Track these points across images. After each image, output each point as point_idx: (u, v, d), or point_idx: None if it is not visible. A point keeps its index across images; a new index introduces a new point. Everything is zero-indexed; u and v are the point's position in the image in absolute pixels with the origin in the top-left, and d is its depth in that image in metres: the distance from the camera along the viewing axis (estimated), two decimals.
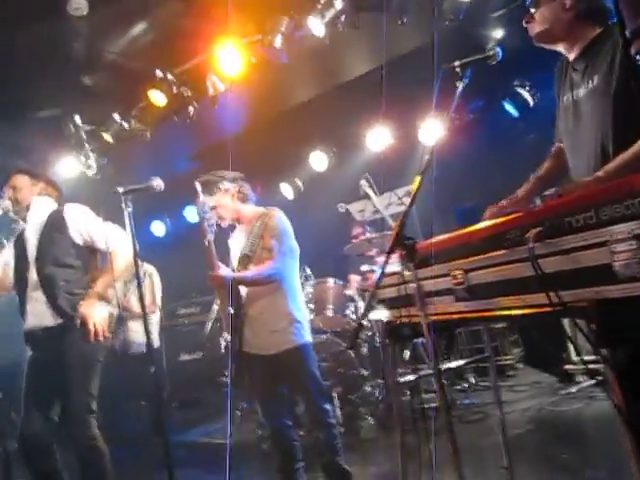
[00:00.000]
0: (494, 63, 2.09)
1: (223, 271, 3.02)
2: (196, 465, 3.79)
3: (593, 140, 2.01)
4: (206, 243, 2.98)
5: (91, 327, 3.02)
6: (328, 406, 3.23)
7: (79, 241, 3.21)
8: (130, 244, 2.71)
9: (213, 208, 3.13)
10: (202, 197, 3.05)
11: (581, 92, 2.07)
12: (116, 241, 3.17)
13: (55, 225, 3.20)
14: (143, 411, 5.29)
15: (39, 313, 3.11)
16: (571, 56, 2.13)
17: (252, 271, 3.11)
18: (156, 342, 5.50)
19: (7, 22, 3.80)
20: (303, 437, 4.14)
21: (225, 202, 3.26)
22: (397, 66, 5.16)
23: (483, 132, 5.48)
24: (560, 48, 2.16)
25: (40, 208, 3.30)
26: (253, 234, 3.21)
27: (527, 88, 5.14)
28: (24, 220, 3.30)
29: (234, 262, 3.30)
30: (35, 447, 3.00)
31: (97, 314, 3.08)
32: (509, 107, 5.23)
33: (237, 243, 3.36)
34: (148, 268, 5.55)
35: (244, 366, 3.18)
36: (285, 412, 3.34)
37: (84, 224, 3.23)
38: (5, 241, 3.43)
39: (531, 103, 5.11)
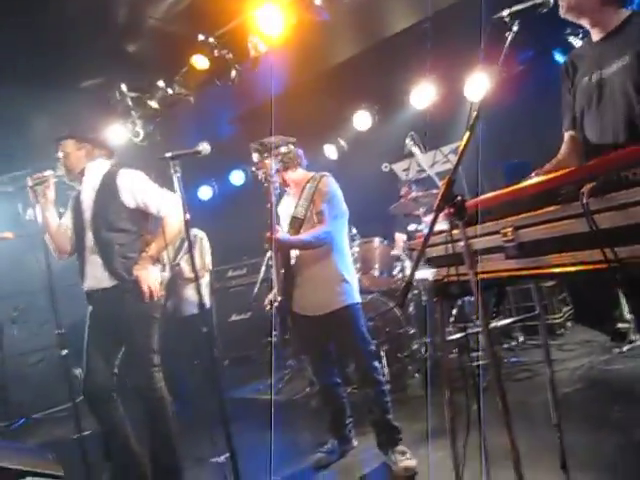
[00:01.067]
0: (545, 11, 2.01)
1: (280, 234, 3.10)
2: (246, 420, 3.92)
3: (622, 115, 1.99)
4: (268, 206, 3.07)
5: (145, 289, 3.14)
6: (377, 364, 3.32)
7: (132, 205, 3.26)
8: (181, 208, 2.74)
9: (277, 171, 3.20)
10: (269, 161, 3.15)
11: (609, 70, 2.04)
12: (168, 206, 3.22)
13: (108, 190, 3.27)
14: (196, 369, 5.50)
15: (96, 275, 3.22)
16: (595, 33, 2.12)
17: (305, 234, 3.18)
18: (207, 304, 5.67)
19: None
20: (352, 394, 4.25)
21: (276, 167, 3.30)
22: (442, 19, 5.00)
23: (532, 84, 5.26)
24: (584, 23, 2.14)
25: (93, 173, 3.36)
26: (303, 198, 3.28)
27: (580, 36, 4.88)
28: (80, 185, 3.39)
29: (285, 226, 3.39)
30: (97, 398, 3.18)
31: (151, 277, 3.19)
32: (560, 57, 4.99)
33: (286, 208, 3.43)
34: (198, 232, 5.67)
35: (294, 326, 3.30)
36: (334, 370, 3.48)
37: (137, 188, 3.27)
38: (62, 210, 3.54)
39: None
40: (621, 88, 2.00)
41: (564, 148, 2.33)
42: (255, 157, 3.37)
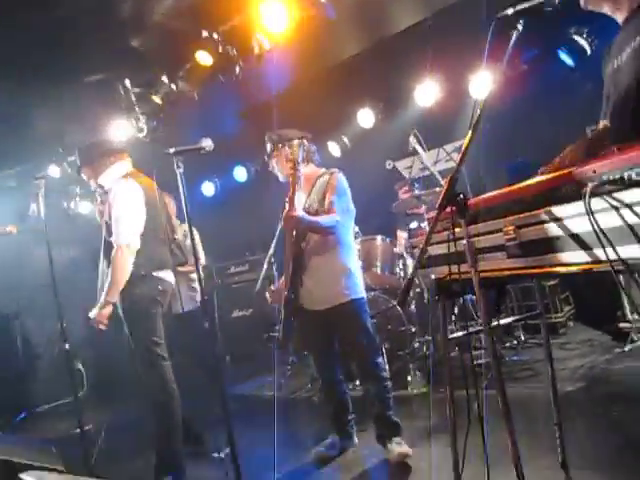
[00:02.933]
0: (550, 9, 2.01)
1: (299, 211, 3.09)
2: (248, 417, 3.94)
3: (630, 102, 1.93)
4: (290, 194, 3.07)
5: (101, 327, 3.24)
6: (380, 360, 3.35)
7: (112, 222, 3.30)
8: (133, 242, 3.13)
9: (299, 162, 3.16)
10: (296, 153, 3.13)
11: (624, 55, 2.00)
12: (123, 239, 3.23)
13: (107, 203, 3.37)
14: (198, 365, 5.50)
15: (103, 281, 3.36)
16: (619, 20, 2.08)
17: (320, 217, 3.20)
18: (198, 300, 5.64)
19: None
20: (355, 389, 4.26)
21: (302, 155, 3.29)
22: (445, 17, 4.99)
23: (537, 84, 5.24)
24: (606, 11, 2.10)
25: (108, 185, 3.45)
26: (315, 192, 3.34)
27: (584, 35, 4.86)
28: None
29: None
30: None
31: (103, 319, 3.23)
32: (564, 56, 4.97)
33: (297, 202, 3.35)
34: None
35: (299, 321, 3.32)
36: (338, 366, 3.50)
37: (114, 207, 3.30)
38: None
39: (588, 51, 4.84)
40: (631, 73, 1.94)
41: (593, 134, 2.29)
42: (269, 147, 3.43)
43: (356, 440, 3.51)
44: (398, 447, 3.10)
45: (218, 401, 2.60)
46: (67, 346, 3.40)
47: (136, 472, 3.62)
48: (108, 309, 3.23)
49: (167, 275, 3.49)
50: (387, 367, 4.48)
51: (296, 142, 3.27)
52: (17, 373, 6.22)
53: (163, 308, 3.47)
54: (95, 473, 3.31)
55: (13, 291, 6.26)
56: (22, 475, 2.53)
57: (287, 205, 3.10)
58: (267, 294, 3.60)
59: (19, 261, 6.19)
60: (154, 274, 3.38)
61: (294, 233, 3.25)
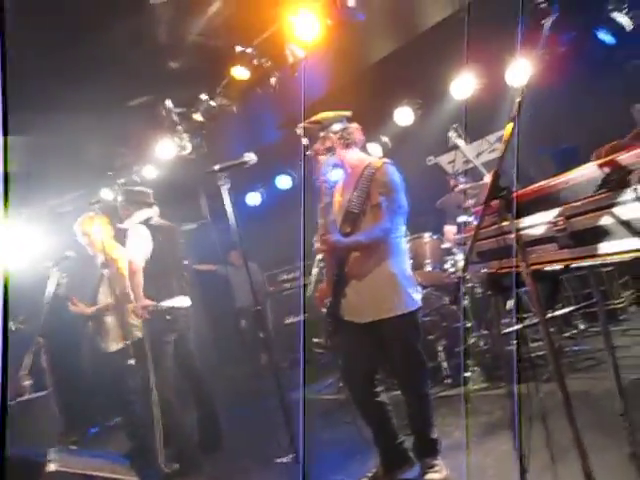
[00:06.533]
0: None
1: (333, 236, 2.78)
2: (309, 421, 3.99)
3: None
4: (322, 205, 2.81)
5: None
6: (427, 377, 3.06)
7: None
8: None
9: (335, 167, 2.90)
10: (322, 157, 2.83)
11: None
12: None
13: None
14: (261, 372, 5.63)
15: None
16: None
17: (361, 234, 2.84)
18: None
19: (95, 22, 4.02)
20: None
21: (327, 147, 2.95)
22: (478, 7, 4.91)
23: (577, 66, 5.11)
24: None
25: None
26: (359, 189, 2.87)
27: (624, 10, 4.69)
28: None
29: (338, 220, 2.97)
30: None
31: None
32: (604, 35, 4.82)
33: (340, 198, 3.03)
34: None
35: (338, 334, 3.01)
36: (374, 387, 3.04)
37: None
38: None
39: (629, 27, 4.66)
40: None
41: None
42: (305, 141, 2.91)
43: (416, 464, 3.03)
44: (433, 475, 2.87)
45: (279, 407, 2.66)
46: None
47: None
48: None
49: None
50: (445, 365, 4.47)
51: (336, 127, 2.92)
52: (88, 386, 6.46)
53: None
54: None
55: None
56: None
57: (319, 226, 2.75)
58: (317, 300, 3.18)
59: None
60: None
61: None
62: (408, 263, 3.10)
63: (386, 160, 2.99)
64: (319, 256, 4.04)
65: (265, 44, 4.85)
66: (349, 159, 3.00)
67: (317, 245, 2.89)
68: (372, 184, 2.84)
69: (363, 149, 3.16)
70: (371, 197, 2.83)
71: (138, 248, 4.08)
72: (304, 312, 3.07)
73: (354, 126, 3.06)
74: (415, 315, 2.94)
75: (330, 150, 2.88)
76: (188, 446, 4.10)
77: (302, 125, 2.91)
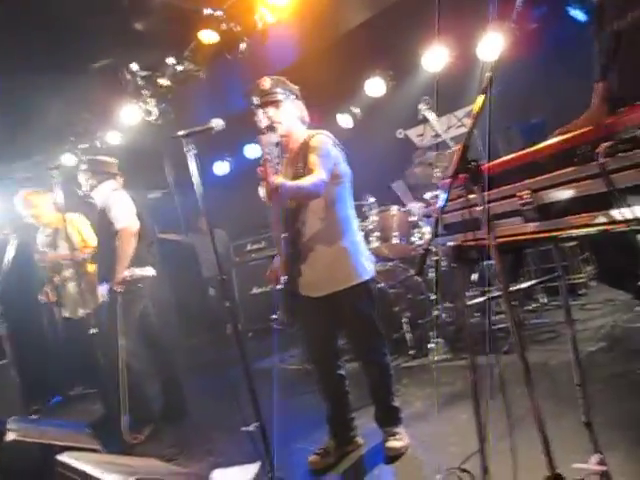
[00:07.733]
0: None
1: (276, 179, 2.58)
2: (271, 389, 4.01)
3: None
4: (262, 164, 2.62)
5: None
6: (383, 346, 3.09)
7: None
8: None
9: (277, 145, 2.76)
10: (268, 134, 2.73)
11: None
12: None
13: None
14: (222, 342, 5.60)
15: None
16: None
17: (300, 180, 2.75)
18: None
19: None
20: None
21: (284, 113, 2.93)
22: None
23: (548, 41, 5.12)
24: None
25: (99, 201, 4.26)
26: (301, 161, 2.88)
27: None
28: None
29: None
30: None
31: None
32: (575, 12, 4.83)
33: (286, 172, 2.96)
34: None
35: (296, 309, 3.00)
36: (338, 360, 3.13)
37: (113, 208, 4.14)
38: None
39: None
40: None
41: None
42: (255, 100, 2.90)
43: (361, 442, 3.17)
44: (395, 442, 2.93)
45: (243, 376, 2.65)
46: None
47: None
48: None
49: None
50: (408, 336, 4.53)
51: (281, 94, 2.90)
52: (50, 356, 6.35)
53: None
54: (130, 452, 3.43)
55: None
56: (59, 457, 2.60)
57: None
58: (268, 272, 3.16)
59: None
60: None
61: (284, 213, 2.94)
62: (359, 234, 3.12)
63: (321, 131, 2.98)
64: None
65: (235, 8, 4.72)
66: (295, 134, 3.00)
67: (261, 193, 2.77)
68: (307, 151, 2.86)
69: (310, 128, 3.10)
70: (308, 162, 2.83)
71: (128, 212, 4.11)
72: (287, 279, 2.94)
73: (299, 104, 3.05)
74: (368, 284, 2.98)
75: (273, 128, 2.81)
76: (152, 415, 4.11)
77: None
